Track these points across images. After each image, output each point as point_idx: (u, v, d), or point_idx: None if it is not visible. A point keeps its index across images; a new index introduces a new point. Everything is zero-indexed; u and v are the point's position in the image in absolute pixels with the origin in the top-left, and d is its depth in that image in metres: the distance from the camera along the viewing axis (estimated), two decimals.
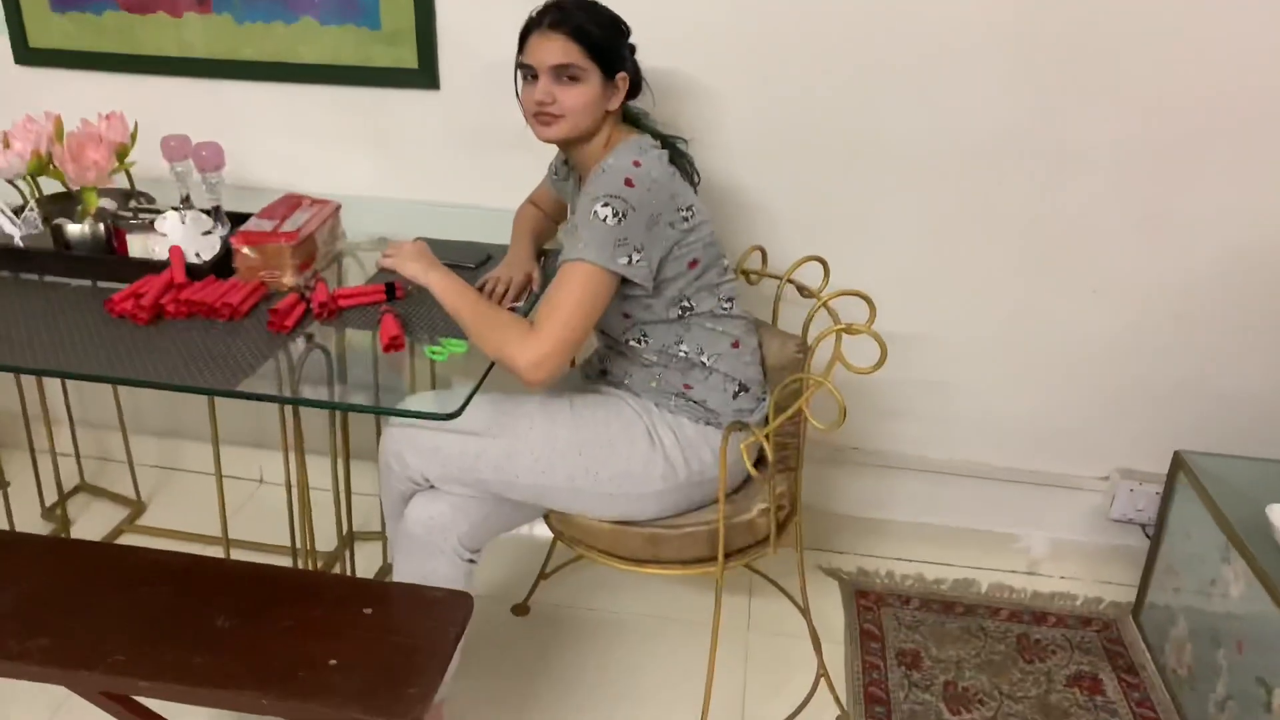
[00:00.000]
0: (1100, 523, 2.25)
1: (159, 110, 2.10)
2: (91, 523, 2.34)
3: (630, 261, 1.48)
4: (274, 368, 1.48)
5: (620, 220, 1.46)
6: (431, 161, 2.16)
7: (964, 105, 1.93)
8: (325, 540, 2.13)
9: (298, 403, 1.46)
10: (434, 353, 1.53)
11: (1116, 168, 1.94)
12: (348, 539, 2.10)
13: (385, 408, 1.50)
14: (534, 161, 1.92)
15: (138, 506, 2.39)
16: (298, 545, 2.02)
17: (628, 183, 1.49)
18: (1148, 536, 2.18)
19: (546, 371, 1.43)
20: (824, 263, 1.84)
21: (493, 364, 1.50)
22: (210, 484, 2.04)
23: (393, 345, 1.52)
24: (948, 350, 2.13)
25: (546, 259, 1.90)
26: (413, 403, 1.47)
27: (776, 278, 1.87)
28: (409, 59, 2.06)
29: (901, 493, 2.30)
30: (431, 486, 1.58)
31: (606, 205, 1.47)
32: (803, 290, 1.84)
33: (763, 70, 1.97)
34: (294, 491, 1.93)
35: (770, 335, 1.76)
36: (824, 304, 1.72)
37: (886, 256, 2.07)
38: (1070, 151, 1.93)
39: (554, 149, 1.77)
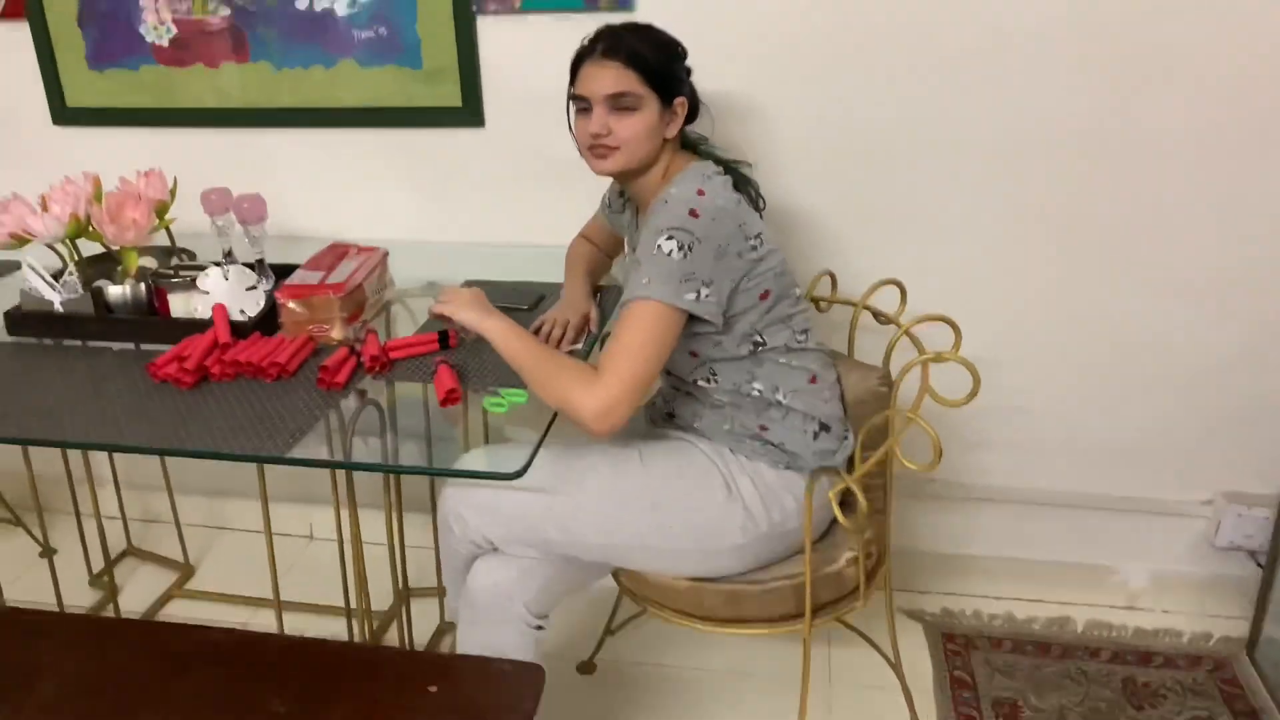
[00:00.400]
0: (1204, 551, 2.10)
1: (199, 163, 2.06)
2: (139, 589, 2.27)
3: (699, 297, 1.38)
4: (325, 428, 1.40)
5: (686, 254, 1.37)
6: (479, 201, 2.08)
7: (1033, 101, 1.82)
8: (380, 598, 2.04)
9: (352, 467, 1.37)
10: (493, 405, 1.43)
11: (1211, 161, 1.80)
12: (404, 595, 2.01)
13: (443, 469, 1.40)
14: (585, 195, 1.83)
15: (186, 570, 2.32)
16: (352, 605, 1.93)
17: (692, 213, 1.39)
18: (1259, 565, 2.02)
19: (614, 420, 1.33)
20: (900, 286, 1.72)
21: (555, 415, 1.41)
22: (260, 542, 1.96)
23: (450, 399, 1.43)
24: (1031, 371, 2.00)
25: (603, 296, 1.81)
26: (471, 461, 1.37)
27: (849, 304, 1.76)
28: (452, 97, 1.99)
29: (986, 526, 2.16)
30: (494, 548, 1.48)
31: (671, 238, 1.37)
32: (879, 316, 1.73)
33: (818, 84, 1.87)
34: (346, 548, 1.84)
35: (849, 367, 1.65)
36: (905, 331, 1.60)
37: (961, 273, 1.95)
38: (1156, 146, 1.81)
39: (606, 180, 1.69)
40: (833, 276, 1.83)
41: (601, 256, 1.86)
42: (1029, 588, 2.16)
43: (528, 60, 1.95)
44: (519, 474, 1.28)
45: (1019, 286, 1.95)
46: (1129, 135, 1.81)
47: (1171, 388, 1.98)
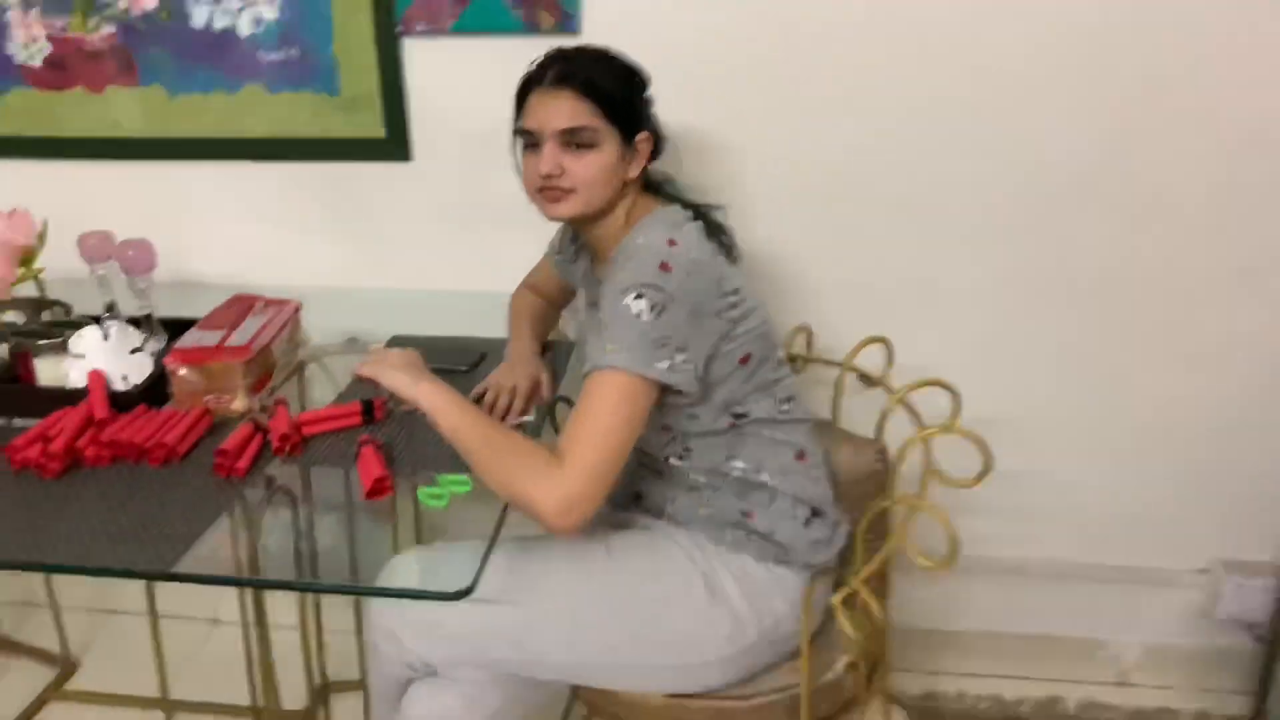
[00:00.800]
0: (1199, 623, 1.95)
1: (83, 200, 1.80)
2: (10, 692, 1.94)
3: (672, 365, 1.17)
4: (226, 527, 1.15)
5: (658, 314, 1.16)
6: (406, 244, 1.85)
7: (1030, 146, 1.66)
8: (294, 694, 1.77)
9: (257, 585, 1.13)
10: (431, 497, 1.19)
11: (1211, 211, 1.67)
12: (321, 693, 1.75)
13: (370, 588, 1.15)
14: (528, 237, 1.62)
15: (67, 665, 2.00)
16: (260, 703, 1.66)
17: (663, 267, 1.18)
18: (1259, 639, 1.88)
19: (578, 516, 1.10)
20: (888, 344, 1.54)
21: (506, 507, 1.17)
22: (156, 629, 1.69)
23: (377, 490, 1.18)
24: (1022, 433, 1.83)
25: (553, 354, 1.59)
26: (404, 571, 1.14)
27: (833, 364, 1.57)
28: (374, 127, 1.76)
29: (970, 599, 1.99)
30: (433, 671, 1.24)
31: (640, 297, 1.16)
32: (865, 378, 1.54)
33: (793, 120, 1.69)
34: (253, 634, 1.57)
35: (836, 440, 1.45)
36: (900, 399, 1.41)
37: (947, 328, 1.78)
38: (1157, 194, 1.67)
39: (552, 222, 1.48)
40: (809, 332, 1.64)
41: (549, 308, 1.65)
42: (1016, 664, 1.99)
43: (460, 87, 1.73)
44: (466, 592, 1.04)
45: (1009, 343, 1.79)
46: (1133, 186, 1.67)
47: (1169, 451, 1.84)
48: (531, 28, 1.65)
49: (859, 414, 1.55)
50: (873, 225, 1.73)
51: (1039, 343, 1.79)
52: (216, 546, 1.12)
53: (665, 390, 1.20)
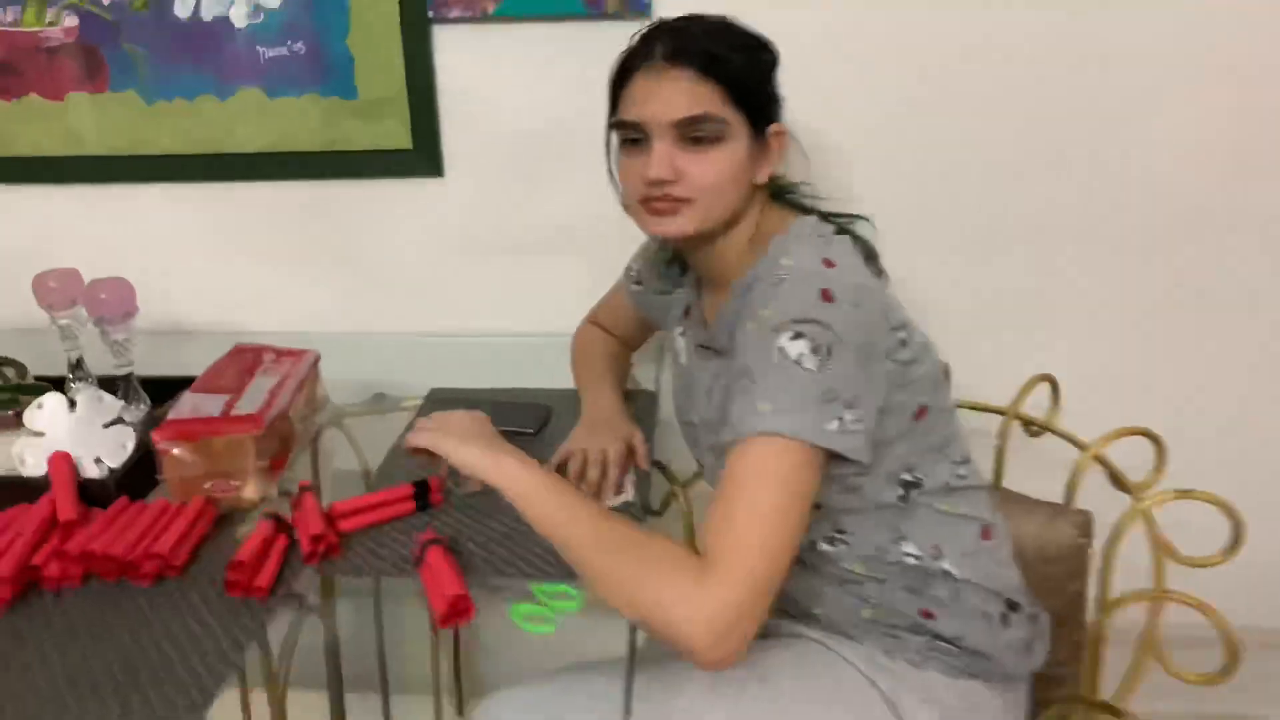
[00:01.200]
0: None
1: (40, 234, 1.49)
2: None
3: (842, 425, 0.86)
4: (243, 676, 0.82)
5: (824, 360, 0.85)
6: (437, 277, 1.55)
7: (1168, 155, 1.38)
8: None
9: None
10: (530, 618, 0.87)
11: None
12: None
13: None
14: (586, 266, 1.36)
15: None
16: None
17: (825, 295, 0.88)
18: None
19: (738, 640, 0.79)
20: (1053, 382, 1.25)
21: (634, 633, 0.86)
22: None
23: (454, 614, 0.86)
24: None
25: (633, 409, 1.28)
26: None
27: (995, 411, 1.27)
28: (400, 137, 1.45)
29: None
30: None
31: (799, 336, 0.86)
32: (1031, 426, 1.24)
33: (901, 131, 1.40)
34: None
35: (1015, 508, 1.14)
36: (1095, 455, 1.11)
37: (1078, 361, 1.49)
38: None
39: (616, 244, 1.19)
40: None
41: (624, 352, 1.35)
42: None
43: (504, 85, 1.43)
44: None
45: (1149, 377, 1.51)
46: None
47: None
48: (594, 10, 1.35)
49: (1016, 472, 1.26)
50: (983, 249, 1.45)
51: (1197, 377, 1.51)
52: (230, 703, 0.80)
53: (831, 458, 0.89)
